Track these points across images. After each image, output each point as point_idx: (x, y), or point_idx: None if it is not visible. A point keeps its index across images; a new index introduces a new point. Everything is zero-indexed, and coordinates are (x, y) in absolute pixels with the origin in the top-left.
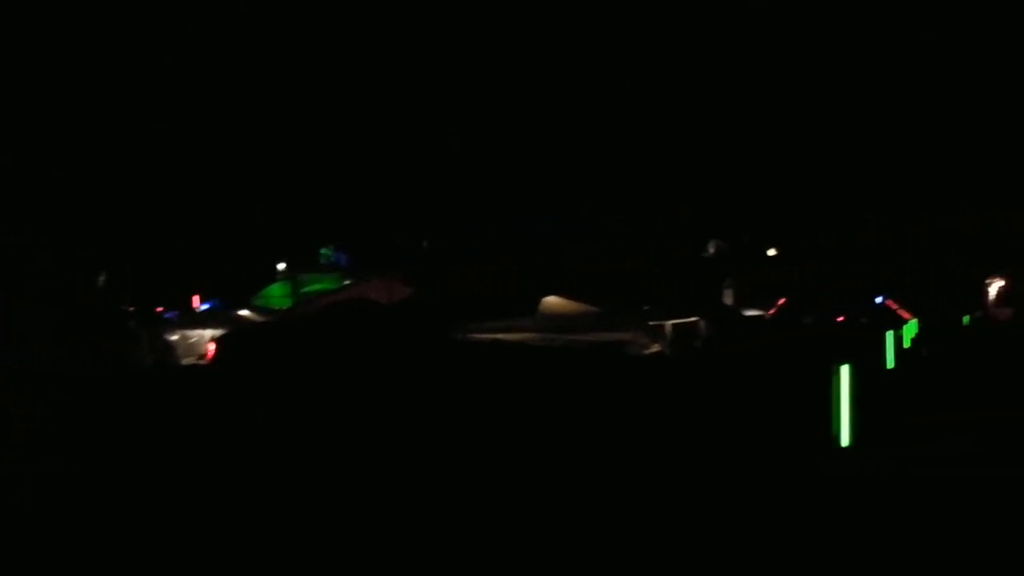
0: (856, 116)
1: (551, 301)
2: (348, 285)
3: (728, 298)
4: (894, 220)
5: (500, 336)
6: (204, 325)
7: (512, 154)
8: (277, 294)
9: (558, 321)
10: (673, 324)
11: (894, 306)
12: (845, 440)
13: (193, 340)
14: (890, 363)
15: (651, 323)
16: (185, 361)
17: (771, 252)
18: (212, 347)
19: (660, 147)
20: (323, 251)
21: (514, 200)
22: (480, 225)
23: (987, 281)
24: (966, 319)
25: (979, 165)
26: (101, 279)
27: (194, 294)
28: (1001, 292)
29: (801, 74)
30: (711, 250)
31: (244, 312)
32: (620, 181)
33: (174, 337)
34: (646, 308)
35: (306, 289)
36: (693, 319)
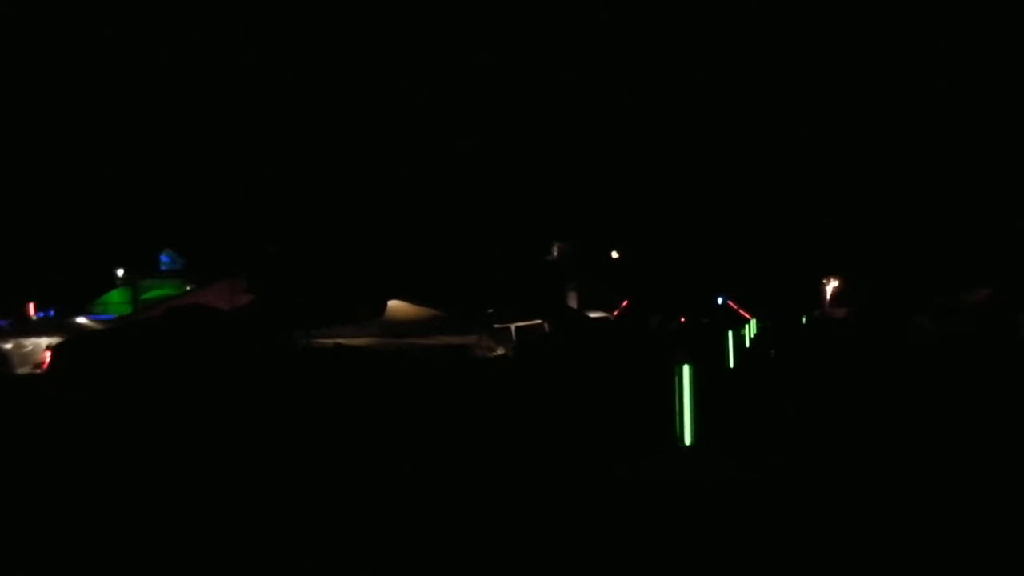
0: (695, 117)
1: (395, 305)
2: (189, 291)
3: (572, 300)
4: (735, 222)
5: (343, 341)
6: (40, 333)
7: (356, 158)
8: (116, 300)
9: (402, 325)
10: (517, 327)
11: (735, 306)
12: (687, 439)
13: (28, 349)
14: (731, 362)
15: (496, 326)
16: (20, 371)
17: (614, 254)
18: (48, 355)
19: (501, 151)
20: (164, 256)
21: (359, 204)
22: (325, 229)
23: (823, 282)
24: (804, 318)
25: (818, 173)
26: None
27: (28, 301)
28: (836, 292)
29: (640, 80)
30: (554, 252)
31: (81, 319)
32: (464, 185)
33: (8, 346)
34: (490, 311)
35: (146, 295)
36: (537, 321)
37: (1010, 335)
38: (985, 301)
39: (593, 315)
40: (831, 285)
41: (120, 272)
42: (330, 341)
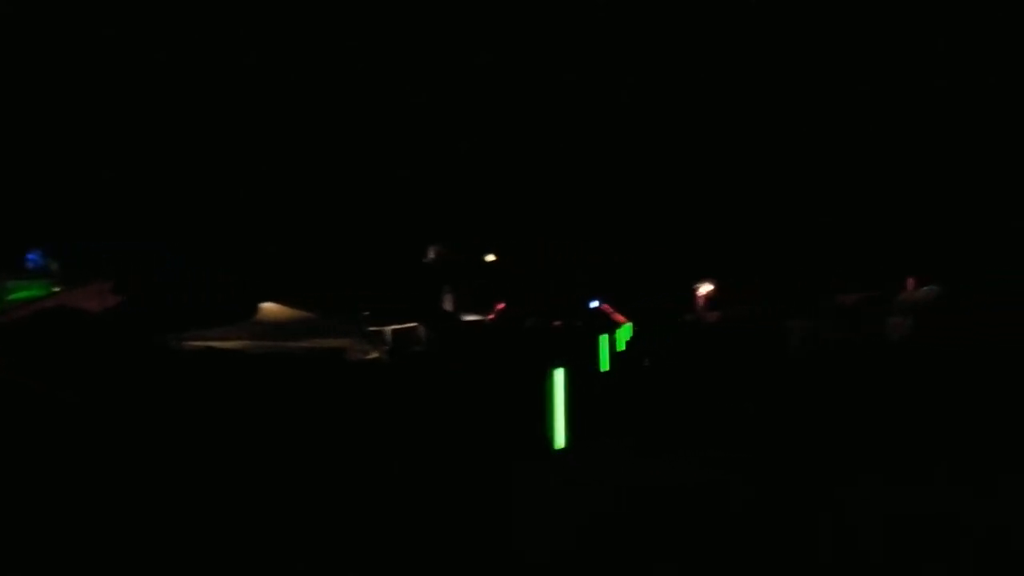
0: (572, 120)
1: (268, 307)
2: (57, 292)
3: (448, 303)
4: (610, 226)
5: (214, 344)
6: None
7: (229, 156)
8: None
9: (275, 328)
10: (393, 330)
11: (609, 310)
12: (560, 442)
13: None
14: (604, 365)
15: (370, 329)
16: None
17: (490, 258)
18: None
19: (382, 151)
20: (31, 256)
21: (231, 203)
22: (195, 228)
23: (696, 286)
24: (678, 322)
25: (691, 178)
26: None
27: None
28: (709, 296)
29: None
30: (431, 255)
31: None
32: (340, 185)
33: None
34: (365, 314)
35: (11, 296)
36: (413, 324)
37: (879, 337)
38: (856, 304)
39: (468, 318)
40: (704, 289)
41: None
42: (201, 344)
